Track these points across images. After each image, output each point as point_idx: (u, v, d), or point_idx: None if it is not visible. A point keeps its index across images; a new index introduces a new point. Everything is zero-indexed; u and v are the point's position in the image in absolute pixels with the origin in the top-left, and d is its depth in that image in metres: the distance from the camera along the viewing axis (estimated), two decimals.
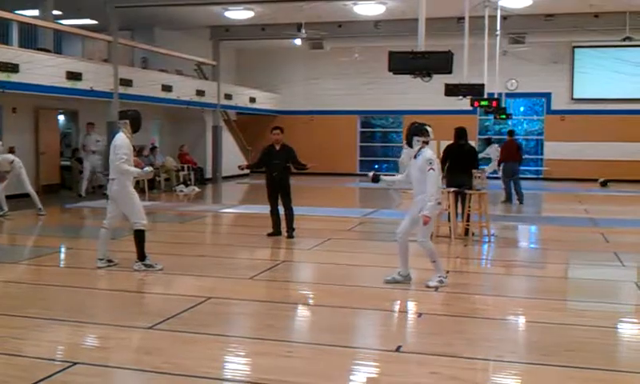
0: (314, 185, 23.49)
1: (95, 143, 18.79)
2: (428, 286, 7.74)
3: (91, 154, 18.71)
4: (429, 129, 7.82)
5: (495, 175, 22.23)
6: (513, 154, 17.66)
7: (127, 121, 8.54)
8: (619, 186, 23.33)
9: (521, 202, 17.36)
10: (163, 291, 7.82)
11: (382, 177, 8.35)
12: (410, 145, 7.82)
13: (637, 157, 25.24)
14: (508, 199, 17.59)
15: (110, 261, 8.67)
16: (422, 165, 7.59)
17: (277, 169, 11.24)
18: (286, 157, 11.35)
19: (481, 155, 24.14)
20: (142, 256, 8.51)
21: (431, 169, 7.51)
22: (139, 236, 8.49)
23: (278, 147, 11.40)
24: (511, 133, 19.11)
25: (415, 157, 7.71)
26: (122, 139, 8.41)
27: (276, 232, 11.49)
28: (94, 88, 17.60)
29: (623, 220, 14.78)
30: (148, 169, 8.78)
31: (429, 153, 7.65)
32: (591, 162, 25.56)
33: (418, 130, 7.74)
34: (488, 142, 22.90)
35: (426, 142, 7.71)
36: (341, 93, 28.14)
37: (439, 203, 7.90)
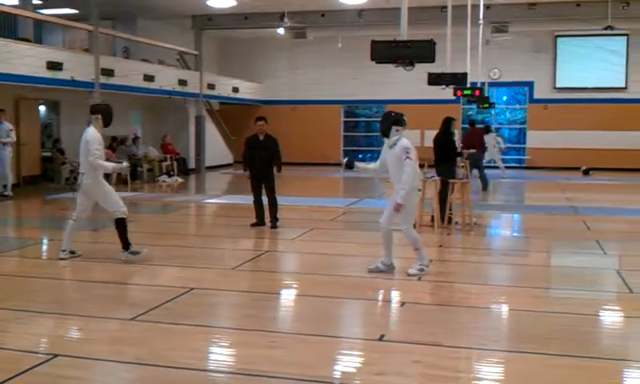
0: (297, 175, 23.47)
1: (7, 133, 15.95)
2: (409, 274, 7.77)
3: (1, 146, 15.85)
4: (406, 119, 7.85)
5: (493, 164, 22.39)
6: (476, 143, 17.75)
7: (99, 115, 8.48)
8: (601, 174, 23.51)
9: (485, 189, 17.49)
10: (145, 282, 7.79)
11: (356, 163, 8.37)
12: (386, 135, 7.80)
13: (618, 145, 25.43)
14: (485, 187, 17.68)
15: (72, 252, 8.63)
16: (399, 154, 7.61)
17: (261, 159, 11.22)
18: (270, 147, 11.34)
19: None
20: (126, 245, 8.47)
21: (408, 157, 7.54)
22: (120, 224, 8.44)
23: (261, 137, 11.41)
24: (472, 123, 19.09)
25: (392, 146, 7.71)
26: (92, 134, 8.36)
27: (259, 222, 11.49)
28: (74, 78, 17.43)
29: (605, 208, 14.89)
30: (125, 164, 8.76)
31: (406, 142, 7.67)
32: (574, 150, 25.72)
33: (397, 120, 7.74)
34: (486, 131, 22.94)
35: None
36: (324, 82, 28.08)
37: (419, 190, 7.91)
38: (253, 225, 11.47)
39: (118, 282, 7.77)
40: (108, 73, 18.67)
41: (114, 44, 22.49)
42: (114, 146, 20.49)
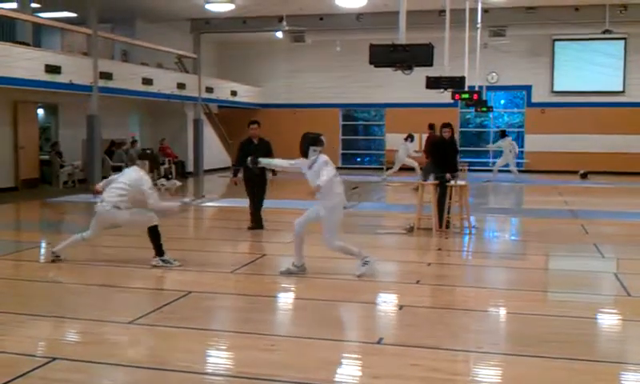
0: (295, 178, 23.49)
1: None
2: (358, 276, 7.84)
3: None
4: (324, 138, 8.00)
5: (506, 168, 22.49)
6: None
7: (146, 162, 8.59)
8: (599, 177, 23.55)
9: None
10: (144, 286, 7.78)
11: (260, 159, 8.61)
12: (305, 155, 7.90)
13: (616, 149, 25.48)
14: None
15: (57, 256, 8.59)
16: (318, 169, 7.71)
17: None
18: (264, 150, 11.36)
19: (493, 147, 24.49)
20: (160, 251, 8.45)
21: (326, 167, 7.67)
22: (154, 231, 8.43)
23: (256, 141, 11.50)
24: (430, 126, 19.06)
25: (311, 166, 7.82)
26: (143, 174, 8.40)
27: (256, 225, 11.56)
28: (73, 81, 17.46)
29: (603, 211, 14.91)
30: (187, 199, 8.97)
31: (324, 157, 7.82)
32: (571, 154, 25.76)
33: (314, 141, 7.86)
34: (502, 135, 23.03)
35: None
36: (323, 86, 28.12)
37: (344, 207, 8.09)
38: (250, 228, 11.51)
39: (115, 286, 7.76)
40: (107, 76, 18.69)
41: (112, 47, 22.51)
42: (113, 149, 20.51)
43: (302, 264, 8.11)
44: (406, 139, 21.01)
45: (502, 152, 22.79)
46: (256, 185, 11.45)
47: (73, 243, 8.63)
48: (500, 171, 22.68)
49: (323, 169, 7.65)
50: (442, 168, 11.44)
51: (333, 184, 7.72)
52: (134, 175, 8.40)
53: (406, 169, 20.81)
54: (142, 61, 22.12)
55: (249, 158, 8.66)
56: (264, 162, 8.80)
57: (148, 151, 8.83)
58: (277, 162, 8.80)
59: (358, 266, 7.95)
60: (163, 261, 8.40)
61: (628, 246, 10.73)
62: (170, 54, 23.71)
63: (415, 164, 20.20)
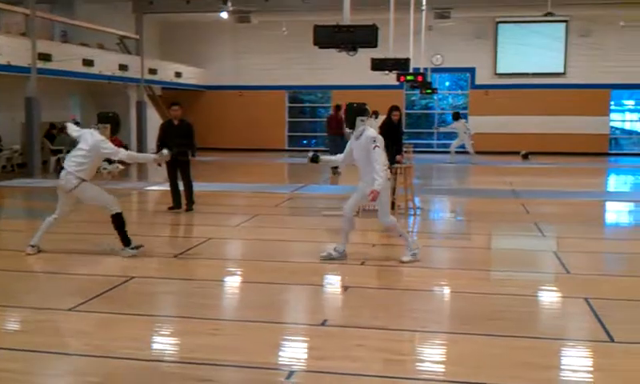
0: (241, 161, 23.37)
1: None
2: (402, 262, 7.77)
3: None
4: (369, 108, 7.88)
5: (462, 149, 22.70)
6: (338, 128, 18.02)
7: (108, 125, 8.18)
8: (540, 158, 24.05)
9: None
10: (86, 272, 7.61)
11: (321, 157, 8.33)
12: (351, 127, 7.78)
13: (557, 130, 26.04)
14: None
15: (39, 249, 8.26)
16: (365, 144, 7.57)
17: (175, 144, 11.18)
18: (185, 132, 11.58)
19: (447, 129, 24.68)
20: (126, 241, 8.16)
21: (376, 146, 7.51)
22: (118, 220, 8.16)
23: (176, 122, 11.68)
24: (337, 108, 19.16)
25: (358, 138, 7.70)
26: (101, 136, 8.02)
27: (176, 205, 11.73)
28: (10, 63, 16.92)
29: (543, 191, 15.24)
30: (165, 151, 8.54)
31: (371, 132, 7.67)
32: (514, 135, 26.23)
33: (361, 111, 7.74)
34: (456, 117, 23.20)
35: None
36: (269, 68, 27.91)
37: (388, 179, 7.93)
38: (170, 208, 11.70)
39: (57, 272, 7.59)
40: (46, 57, 18.19)
41: (52, 28, 21.88)
42: (53, 133, 19.99)
43: (344, 251, 7.94)
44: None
45: (457, 134, 23.04)
46: (179, 166, 11.55)
47: (46, 228, 8.27)
48: (457, 152, 22.87)
49: (374, 152, 7.41)
50: (391, 150, 11.47)
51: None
52: (92, 139, 8.00)
53: None
54: (82, 41, 21.58)
55: (309, 154, 8.28)
56: (325, 159, 8.52)
57: (110, 114, 8.45)
58: (336, 159, 8.47)
59: (405, 252, 7.86)
60: (132, 249, 8.17)
61: (567, 224, 10.99)
62: (111, 35, 23.18)
63: None
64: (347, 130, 8.06)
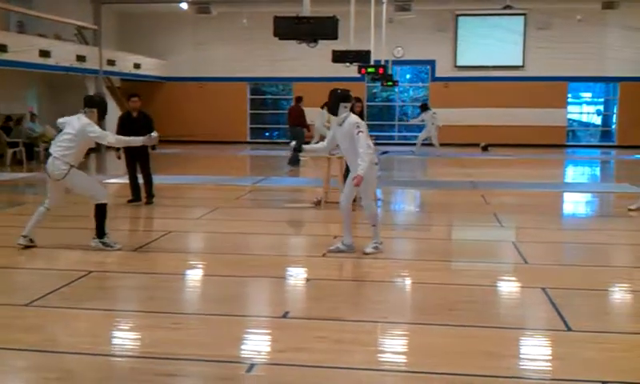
0: (203, 153, 23.19)
1: None
2: (365, 253, 7.79)
3: None
4: (352, 94, 7.89)
5: (427, 141, 22.78)
6: (299, 119, 18.10)
7: (95, 109, 7.98)
8: (500, 150, 24.35)
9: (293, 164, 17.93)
10: (42, 266, 7.47)
11: (304, 147, 8.28)
12: (334, 113, 7.74)
13: (516, 122, 26.39)
14: (294, 162, 18.03)
15: (31, 240, 8.09)
16: (349, 130, 7.54)
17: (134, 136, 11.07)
18: (143, 124, 11.31)
19: (415, 121, 24.72)
20: (101, 233, 8.04)
21: (360, 132, 7.47)
22: (100, 210, 8.01)
23: (135, 114, 11.57)
24: (298, 99, 19.21)
25: (341, 124, 7.67)
26: (88, 120, 7.82)
27: (135, 198, 11.63)
28: None
29: (502, 182, 15.41)
30: (154, 134, 8.33)
31: (354, 117, 7.64)
32: (474, 127, 26.50)
33: (344, 97, 7.69)
34: (424, 108, 23.24)
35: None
36: (230, 59, 27.73)
37: (375, 163, 7.91)
38: (129, 201, 11.58)
39: (11, 267, 7.44)
40: (1, 48, 17.81)
41: (7, 18, 21.41)
42: (9, 125, 19.58)
43: (351, 243, 7.91)
44: (322, 107, 20.72)
45: (424, 126, 23.12)
46: (138, 159, 11.47)
47: (38, 220, 8.08)
48: (423, 144, 22.98)
49: (358, 138, 7.37)
50: None
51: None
52: (79, 123, 7.81)
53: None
54: (39, 32, 21.16)
55: (292, 144, 8.26)
56: (307, 148, 8.50)
57: (97, 98, 8.25)
58: (319, 147, 8.41)
59: (370, 243, 7.89)
60: (103, 243, 8.04)
61: (525, 215, 11.13)
62: (69, 26, 22.77)
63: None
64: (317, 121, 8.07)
